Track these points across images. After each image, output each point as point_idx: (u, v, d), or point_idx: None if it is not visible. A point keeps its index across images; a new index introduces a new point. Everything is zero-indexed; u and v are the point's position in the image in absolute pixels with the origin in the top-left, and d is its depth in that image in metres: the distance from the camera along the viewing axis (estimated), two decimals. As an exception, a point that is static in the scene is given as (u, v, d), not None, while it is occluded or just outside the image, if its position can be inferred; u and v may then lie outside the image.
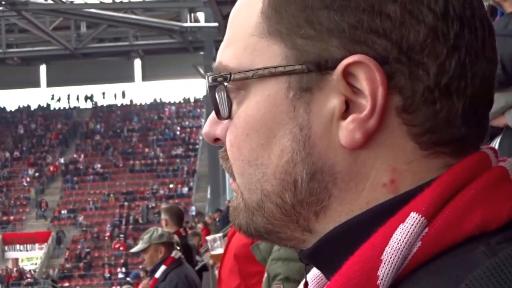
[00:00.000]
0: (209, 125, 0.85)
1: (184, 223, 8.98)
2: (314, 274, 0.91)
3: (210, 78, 0.81)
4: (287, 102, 0.77)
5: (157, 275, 6.54)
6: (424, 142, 0.76)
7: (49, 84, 65.69)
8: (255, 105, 0.79)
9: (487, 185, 0.73)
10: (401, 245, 0.70)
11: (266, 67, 0.77)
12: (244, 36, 0.80)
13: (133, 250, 7.16)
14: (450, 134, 0.77)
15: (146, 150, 59.44)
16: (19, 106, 66.49)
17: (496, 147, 3.10)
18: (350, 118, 0.75)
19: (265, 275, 4.85)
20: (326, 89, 0.76)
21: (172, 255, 6.63)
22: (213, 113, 0.84)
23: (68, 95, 66.34)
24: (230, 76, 0.79)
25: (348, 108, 0.76)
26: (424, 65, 0.74)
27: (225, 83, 0.80)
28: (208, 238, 7.25)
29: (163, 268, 6.53)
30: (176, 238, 7.79)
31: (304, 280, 0.91)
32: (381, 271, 0.70)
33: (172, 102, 65.96)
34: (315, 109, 0.76)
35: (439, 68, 0.74)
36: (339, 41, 0.75)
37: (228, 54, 0.81)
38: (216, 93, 0.81)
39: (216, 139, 0.85)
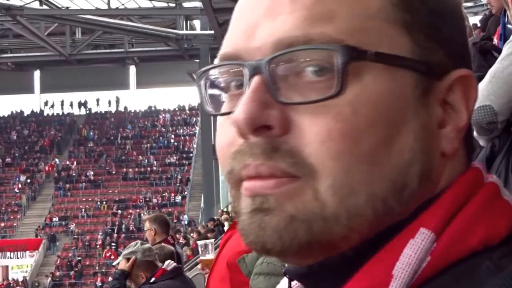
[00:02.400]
0: (258, 108, 0.71)
1: (171, 231, 8.97)
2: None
3: (344, 51, 0.70)
4: (415, 97, 0.74)
5: None
6: (469, 153, 0.81)
7: (42, 90, 65.75)
8: (384, 94, 0.72)
9: (485, 202, 0.74)
10: (412, 261, 0.70)
11: (403, 56, 0.73)
12: (362, 15, 0.73)
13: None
14: (472, 145, 0.82)
15: (140, 157, 59.42)
16: (12, 112, 66.42)
17: None
18: (450, 127, 0.76)
19: None
20: (433, 96, 0.76)
21: (164, 266, 6.39)
22: (254, 94, 0.72)
23: (62, 101, 66.29)
24: (368, 54, 0.71)
25: (443, 117, 0.77)
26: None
27: (357, 61, 0.71)
28: (199, 242, 7.34)
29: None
30: (168, 247, 7.85)
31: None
32: (392, 286, 0.69)
33: (166, 109, 65.92)
34: (430, 111, 0.76)
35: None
36: (453, 53, 0.77)
37: (337, 30, 0.72)
38: (345, 71, 0.71)
39: (259, 129, 0.72)
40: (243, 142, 0.73)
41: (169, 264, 6.40)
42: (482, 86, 3.04)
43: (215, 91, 0.80)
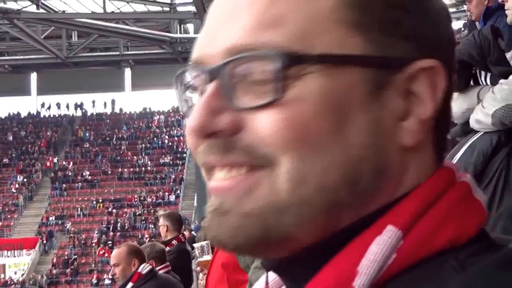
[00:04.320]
0: (206, 117, 0.74)
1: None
2: (272, 277, 0.87)
3: (279, 58, 0.72)
4: (363, 94, 0.73)
5: None
6: (439, 148, 0.80)
7: (39, 92, 65.62)
8: (328, 89, 0.72)
9: (456, 201, 0.74)
10: (377, 257, 0.69)
11: (349, 55, 0.73)
12: (311, 18, 0.73)
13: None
14: (445, 142, 0.81)
15: (135, 158, 59.36)
16: (9, 114, 66.23)
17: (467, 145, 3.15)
18: (413, 119, 0.75)
19: (248, 283, 4.87)
20: (393, 88, 0.74)
21: (139, 270, 6.22)
22: (205, 102, 0.75)
23: (58, 103, 66.12)
24: (306, 58, 0.72)
25: (405, 109, 0.76)
26: (452, 76, 0.79)
27: (296, 66, 0.72)
28: (196, 245, 7.23)
29: (130, 285, 6.13)
30: (159, 245, 7.75)
31: (264, 281, 0.88)
32: (357, 282, 0.69)
33: (161, 111, 65.85)
34: (386, 105, 0.75)
35: (453, 82, 0.79)
36: (415, 44, 0.75)
37: (284, 35, 0.73)
38: (279, 76, 0.72)
39: (210, 134, 0.75)
40: (202, 143, 0.76)
41: (144, 268, 6.22)
42: None
43: (190, 95, 0.82)
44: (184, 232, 9.35)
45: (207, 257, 7.07)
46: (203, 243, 7.55)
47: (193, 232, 15.42)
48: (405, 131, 0.75)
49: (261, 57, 0.72)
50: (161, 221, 8.18)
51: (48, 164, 59.26)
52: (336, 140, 0.73)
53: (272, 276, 0.86)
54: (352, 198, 0.73)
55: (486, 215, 0.76)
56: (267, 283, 0.87)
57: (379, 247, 0.70)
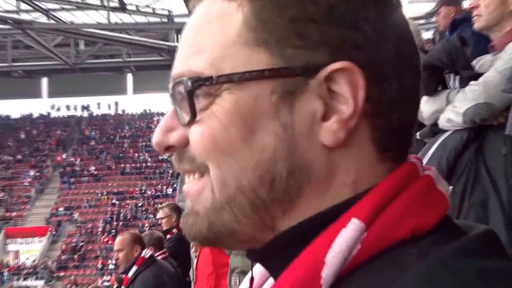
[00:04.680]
0: (161, 135, 0.81)
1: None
2: (259, 270, 0.88)
3: (189, 82, 0.76)
4: (270, 103, 0.74)
5: (130, 274, 6.20)
6: (380, 146, 0.76)
7: (50, 95, 65.39)
8: (235, 103, 0.74)
9: (417, 193, 0.73)
10: (342, 249, 0.69)
11: (252, 71, 0.74)
12: (222, 45, 0.76)
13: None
14: (398, 141, 0.78)
15: (136, 155, 59.19)
16: (22, 114, 66.09)
17: (437, 144, 3.14)
18: (334, 119, 0.74)
19: (229, 266, 4.85)
20: (308, 93, 0.74)
21: (142, 255, 6.28)
22: (162, 123, 0.81)
23: (67, 105, 65.96)
24: (214, 80, 0.75)
25: (326, 110, 0.74)
26: (389, 79, 0.75)
27: (203, 87, 0.76)
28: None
29: (134, 268, 6.19)
30: (158, 233, 7.76)
31: (250, 275, 0.89)
32: (324, 272, 0.69)
33: (160, 112, 65.64)
34: (298, 110, 0.74)
35: (399, 83, 0.75)
36: (327, 50, 0.73)
37: (200, 62, 0.77)
38: (193, 97, 0.76)
39: (168, 148, 0.81)
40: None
41: (146, 253, 6.31)
42: (492, 84, 3.02)
43: None
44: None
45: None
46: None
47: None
48: (326, 131, 0.74)
49: (179, 82, 0.77)
50: (167, 211, 8.17)
51: (57, 160, 59.09)
52: (247, 146, 0.74)
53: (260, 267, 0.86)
54: (275, 195, 0.75)
55: (448, 205, 0.75)
56: (252, 275, 0.89)
57: (344, 239, 0.70)
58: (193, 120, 0.76)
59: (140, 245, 6.38)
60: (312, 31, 0.73)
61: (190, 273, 8.88)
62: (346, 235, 0.70)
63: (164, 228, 8.39)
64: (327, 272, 0.69)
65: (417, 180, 0.76)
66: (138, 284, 6.10)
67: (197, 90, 0.75)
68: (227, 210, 0.76)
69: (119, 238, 6.51)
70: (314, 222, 0.74)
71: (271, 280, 0.84)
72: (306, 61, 0.73)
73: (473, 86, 3.11)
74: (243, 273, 4.45)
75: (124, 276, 6.55)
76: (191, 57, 0.78)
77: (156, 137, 0.81)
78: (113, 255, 6.96)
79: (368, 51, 0.74)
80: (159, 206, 9.27)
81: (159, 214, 8.12)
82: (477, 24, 3.31)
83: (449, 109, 3.14)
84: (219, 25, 0.77)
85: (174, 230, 8.29)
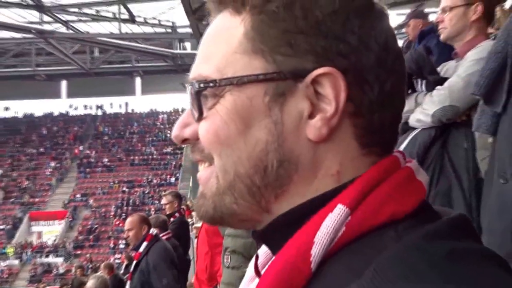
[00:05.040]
0: (179, 129, 0.83)
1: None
2: (265, 248, 0.88)
3: (197, 85, 0.78)
4: (263, 103, 0.76)
5: (141, 249, 6.27)
6: (362, 142, 0.77)
7: (68, 96, 65.25)
8: (233, 103, 0.76)
9: (398, 183, 0.73)
10: (329, 230, 0.70)
11: (248, 75, 0.76)
12: (225, 54, 0.78)
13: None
14: (379, 138, 0.78)
15: (143, 148, 59.10)
16: (44, 113, 65.85)
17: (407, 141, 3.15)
18: (318, 117, 0.74)
19: (223, 246, 4.83)
20: (297, 95, 0.75)
21: (150, 232, 6.38)
22: (180, 119, 0.83)
23: (84, 105, 65.79)
24: (217, 82, 0.77)
25: (313, 110, 0.75)
26: (371, 83, 0.75)
27: (208, 88, 0.78)
28: (194, 214, 7.24)
29: (145, 244, 6.27)
30: (162, 216, 7.79)
31: (256, 254, 0.89)
32: (313, 250, 0.70)
33: (164, 111, 65.67)
34: (287, 110, 0.75)
35: (380, 87, 0.76)
36: (313, 58, 0.74)
37: (208, 68, 0.79)
38: (200, 97, 0.79)
39: (184, 140, 0.83)
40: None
41: (153, 232, 6.42)
42: (456, 89, 3.05)
43: None
44: (183, 207, 9.39)
45: (200, 224, 7.10)
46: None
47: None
48: (311, 127, 0.75)
49: (191, 84, 0.79)
50: (170, 198, 8.18)
51: (75, 152, 58.99)
52: (243, 139, 0.76)
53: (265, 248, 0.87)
54: (267, 181, 0.77)
55: (425, 193, 0.76)
56: (257, 254, 0.89)
57: (330, 222, 0.70)
58: (200, 116, 0.79)
59: (147, 225, 6.45)
60: (301, 41, 0.74)
61: (190, 252, 8.89)
62: (333, 219, 0.70)
63: (168, 213, 8.42)
64: (316, 251, 0.70)
65: (398, 171, 0.76)
66: (152, 255, 6.20)
67: (204, 91, 0.78)
68: (228, 194, 0.78)
69: (129, 219, 6.56)
70: (306, 207, 0.75)
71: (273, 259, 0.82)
72: (294, 67, 0.74)
73: (440, 91, 3.12)
74: (234, 252, 4.44)
75: (134, 253, 6.63)
76: (202, 64, 0.80)
77: (174, 131, 0.83)
78: (124, 235, 7.02)
79: (352, 58, 0.74)
80: (163, 193, 9.27)
81: (163, 201, 8.13)
82: (443, 35, 3.33)
83: (418, 111, 3.15)
84: (225, 37, 0.79)
85: (177, 214, 8.37)
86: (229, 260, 4.48)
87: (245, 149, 0.77)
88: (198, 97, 0.78)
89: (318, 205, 0.73)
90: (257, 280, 0.86)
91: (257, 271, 0.87)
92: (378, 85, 0.76)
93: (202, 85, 0.78)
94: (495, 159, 2.06)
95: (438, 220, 0.71)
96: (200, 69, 0.80)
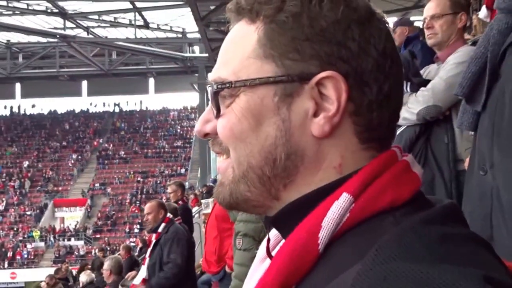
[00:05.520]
0: (201, 125, 0.84)
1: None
2: (275, 232, 0.88)
3: (215, 86, 0.80)
4: (273, 103, 0.77)
5: (160, 230, 6.46)
6: (362, 138, 0.77)
7: (88, 94, 65.14)
8: (247, 102, 0.78)
9: (395, 174, 0.75)
10: (335, 216, 0.71)
11: (260, 78, 0.77)
12: (241, 58, 0.79)
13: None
14: (378, 134, 0.79)
15: (156, 142, 59.10)
16: (66, 110, 65.84)
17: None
18: (321, 116, 0.76)
19: (234, 231, 4.86)
20: (302, 95, 0.76)
21: (167, 216, 6.59)
22: (202, 116, 0.85)
23: (103, 103, 65.80)
24: (232, 84, 0.78)
25: (317, 109, 0.76)
26: (370, 85, 0.76)
27: (225, 89, 0.79)
28: (203, 201, 7.29)
29: (163, 225, 6.46)
30: (174, 204, 7.88)
31: (267, 236, 0.90)
32: (321, 234, 0.71)
33: (175, 109, 65.65)
34: (294, 108, 0.76)
35: (378, 88, 0.77)
36: (317, 62, 0.75)
37: (226, 71, 0.80)
38: (219, 97, 0.80)
39: (206, 134, 0.84)
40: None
41: (170, 216, 6.64)
42: (439, 90, 3.10)
43: None
44: (191, 196, 9.46)
45: (209, 210, 7.12)
46: (209, 199, 7.61)
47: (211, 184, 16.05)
48: (315, 124, 0.76)
49: (210, 85, 0.81)
50: (174, 187, 8.23)
51: (94, 146, 59.02)
52: (255, 134, 0.78)
53: (275, 231, 0.88)
54: (277, 172, 0.78)
55: (420, 183, 0.77)
56: (268, 237, 0.90)
57: (336, 209, 0.72)
58: (218, 114, 0.81)
59: (164, 209, 6.62)
60: (307, 48, 0.76)
61: (194, 235, 9.00)
62: (338, 206, 0.72)
63: (172, 201, 8.57)
64: (323, 234, 0.71)
65: (396, 163, 0.77)
66: (171, 233, 6.41)
67: (221, 91, 0.79)
68: (243, 182, 0.80)
69: (148, 204, 6.72)
70: (313, 196, 0.76)
71: (283, 241, 0.83)
72: (301, 71, 0.76)
73: (424, 92, 3.15)
74: (245, 235, 4.48)
75: (151, 234, 6.94)
76: (221, 67, 0.82)
77: (197, 126, 0.85)
78: (139, 221, 7.15)
79: (352, 63, 0.76)
80: (168, 183, 9.33)
81: (168, 190, 8.20)
82: (432, 40, 3.32)
83: (404, 110, 3.17)
84: (241, 44, 0.80)
85: (180, 202, 8.52)
86: (241, 243, 4.52)
87: (256, 143, 0.78)
88: (216, 97, 0.80)
89: (324, 193, 0.74)
90: (268, 260, 0.87)
91: (268, 252, 0.88)
92: (376, 87, 0.76)
93: (220, 86, 0.79)
94: (476, 152, 2.09)
95: (431, 208, 0.72)
96: (219, 72, 0.81)
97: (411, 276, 0.59)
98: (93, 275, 11.82)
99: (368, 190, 0.73)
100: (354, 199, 0.72)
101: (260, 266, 0.90)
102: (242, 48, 0.80)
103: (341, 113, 0.76)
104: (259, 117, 0.78)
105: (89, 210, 50.19)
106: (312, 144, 0.77)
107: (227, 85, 0.79)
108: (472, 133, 2.18)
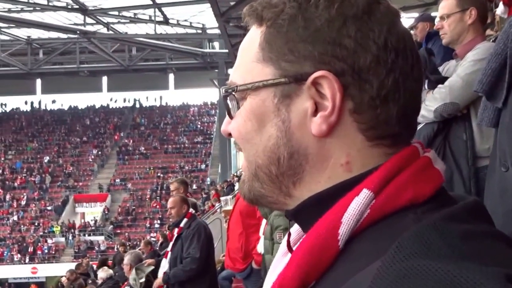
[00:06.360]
0: (224, 125, 0.87)
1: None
2: (297, 227, 0.90)
3: (223, 90, 0.83)
4: (273, 104, 0.79)
5: (182, 224, 6.58)
6: (369, 135, 0.77)
7: (108, 90, 65.57)
8: (250, 105, 0.80)
9: (416, 170, 0.74)
10: (355, 212, 0.71)
11: (260, 81, 0.79)
12: (247, 63, 0.82)
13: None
14: (387, 131, 0.77)
15: (176, 138, 59.29)
16: (87, 105, 66.27)
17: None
18: (318, 115, 0.76)
19: (268, 227, 4.91)
20: (301, 95, 0.77)
21: (190, 211, 6.71)
22: (226, 117, 0.87)
23: (123, 98, 66.21)
24: (236, 88, 0.81)
25: (317, 108, 0.77)
26: (370, 81, 0.75)
27: (233, 93, 0.82)
28: (222, 198, 7.36)
29: (185, 220, 6.58)
30: (193, 200, 7.96)
31: (288, 231, 0.91)
32: (341, 229, 0.71)
33: (195, 104, 65.81)
34: (293, 109, 0.78)
35: (379, 84, 0.76)
36: (311, 63, 0.76)
37: (236, 75, 0.83)
38: (228, 100, 0.83)
39: (229, 134, 0.86)
40: None
41: (192, 211, 6.78)
42: (456, 87, 3.10)
43: None
44: (212, 191, 9.52)
45: (229, 207, 7.20)
46: (228, 197, 7.67)
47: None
48: (314, 124, 0.77)
49: (221, 89, 0.84)
50: (176, 185, 8.20)
51: (115, 140, 59.41)
52: (259, 135, 0.81)
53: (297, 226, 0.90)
54: (283, 170, 0.80)
55: (443, 180, 0.76)
56: (289, 231, 0.91)
57: (356, 205, 0.71)
58: (230, 116, 0.84)
59: (187, 204, 6.75)
60: (301, 49, 0.77)
61: (212, 231, 9.14)
62: (359, 202, 0.72)
63: None
64: (343, 230, 0.71)
65: (418, 159, 0.76)
66: (193, 229, 6.52)
67: (229, 95, 0.83)
68: (256, 180, 0.83)
69: (172, 199, 6.88)
70: (333, 191, 0.76)
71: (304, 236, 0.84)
72: (296, 72, 0.77)
73: (441, 89, 3.17)
74: (286, 229, 4.56)
75: (173, 228, 7.07)
76: (234, 72, 0.85)
77: (222, 126, 0.88)
78: (159, 216, 7.27)
79: (348, 60, 0.75)
80: (170, 181, 9.30)
81: (171, 187, 8.16)
82: (445, 40, 3.37)
83: (422, 107, 3.20)
84: (248, 48, 0.83)
85: None
86: (282, 237, 4.60)
87: (260, 144, 0.80)
88: (225, 99, 0.84)
89: (343, 190, 0.74)
90: (289, 255, 0.85)
91: (289, 247, 0.89)
92: (377, 83, 0.75)
93: (229, 90, 0.82)
94: (497, 149, 2.11)
95: (454, 205, 0.72)
96: (232, 76, 0.84)
97: (432, 274, 0.58)
98: (111, 271, 12.13)
99: (388, 186, 0.72)
100: (374, 195, 0.72)
101: (282, 260, 0.90)
102: (248, 52, 0.83)
103: (337, 112, 0.76)
104: (262, 118, 0.80)
105: (106, 212, 50.45)
106: (314, 143, 0.78)
107: (233, 89, 0.82)
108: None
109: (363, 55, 0.75)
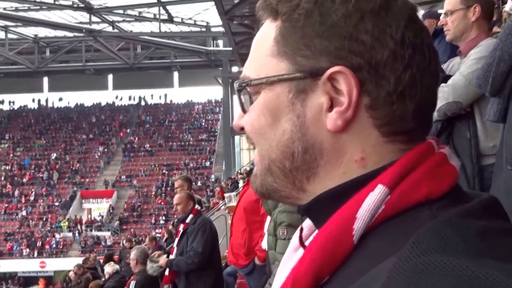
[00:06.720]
0: (237, 120, 0.85)
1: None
2: (308, 222, 0.88)
3: (237, 84, 0.82)
4: (288, 99, 0.77)
5: (187, 220, 6.57)
6: (384, 131, 0.76)
7: (114, 88, 65.60)
8: (264, 99, 0.79)
9: (432, 166, 0.73)
10: (370, 207, 0.70)
11: (275, 75, 0.78)
12: (261, 57, 0.81)
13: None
14: (403, 127, 0.76)
15: (181, 135, 59.28)
16: (93, 103, 66.32)
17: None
18: (334, 110, 0.75)
19: (271, 223, 4.89)
20: (316, 91, 0.76)
21: (196, 207, 6.71)
22: (239, 111, 0.86)
23: (129, 96, 66.22)
24: (250, 82, 0.80)
25: (332, 104, 0.75)
26: (386, 76, 0.74)
27: (247, 87, 0.81)
28: (226, 195, 7.36)
29: (191, 216, 6.57)
30: (198, 196, 7.96)
31: (300, 226, 0.91)
32: (356, 224, 0.70)
33: (199, 102, 65.79)
34: (308, 104, 0.76)
35: (396, 79, 0.74)
36: (328, 58, 0.75)
37: (250, 69, 0.82)
38: (241, 94, 0.82)
39: (242, 128, 0.85)
40: None
41: (198, 207, 6.78)
42: (459, 86, 3.08)
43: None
44: (217, 188, 9.49)
45: (233, 204, 7.21)
46: (231, 193, 7.68)
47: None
48: (329, 119, 0.75)
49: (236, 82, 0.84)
50: (180, 182, 8.17)
51: (120, 137, 59.49)
52: (273, 130, 0.79)
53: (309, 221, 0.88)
54: (297, 165, 0.78)
55: (458, 176, 0.76)
56: (301, 226, 0.90)
57: (371, 200, 0.71)
58: (244, 110, 0.83)
59: (193, 201, 6.74)
60: (317, 44, 0.75)
61: (218, 227, 9.13)
62: (374, 197, 0.71)
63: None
64: (358, 225, 0.70)
65: (433, 155, 0.75)
66: (199, 225, 6.51)
67: (243, 90, 0.81)
68: (269, 174, 0.81)
69: (178, 195, 6.86)
70: (347, 187, 0.75)
71: (317, 232, 0.82)
72: (312, 67, 0.75)
73: (443, 88, 3.14)
74: (290, 226, 4.54)
75: (178, 224, 7.04)
76: (247, 66, 0.83)
77: (235, 121, 0.87)
78: (164, 213, 7.28)
79: (365, 55, 0.74)
80: (173, 178, 9.27)
81: (175, 184, 8.14)
82: (448, 37, 3.35)
83: None
84: (262, 42, 0.82)
85: None
86: (285, 233, 4.58)
87: (274, 138, 0.79)
88: (239, 94, 0.82)
89: (358, 185, 0.74)
90: (301, 250, 0.87)
91: (301, 242, 0.88)
92: (394, 79, 0.74)
93: (243, 84, 0.81)
94: (504, 147, 2.09)
95: (470, 201, 0.71)
96: (245, 70, 0.83)
97: (448, 270, 0.57)
98: (117, 266, 12.20)
99: (404, 182, 0.71)
100: (389, 191, 0.71)
101: (293, 255, 0.89)
102: (262, 46, 0.81)
103: (353, 107, 0.74)
104: (276, 113, 0.78)
105: (111, 210, 50.40)
106: (329, 138, 0.76)
107: (247, 83, 0.80)
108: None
109: (380, 51, 0.74)
